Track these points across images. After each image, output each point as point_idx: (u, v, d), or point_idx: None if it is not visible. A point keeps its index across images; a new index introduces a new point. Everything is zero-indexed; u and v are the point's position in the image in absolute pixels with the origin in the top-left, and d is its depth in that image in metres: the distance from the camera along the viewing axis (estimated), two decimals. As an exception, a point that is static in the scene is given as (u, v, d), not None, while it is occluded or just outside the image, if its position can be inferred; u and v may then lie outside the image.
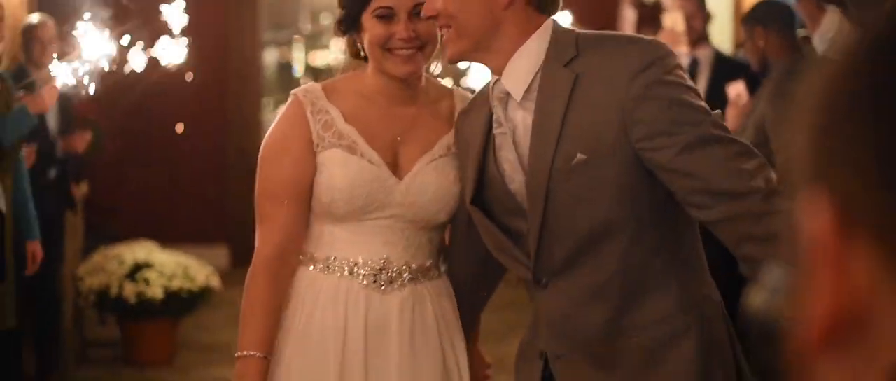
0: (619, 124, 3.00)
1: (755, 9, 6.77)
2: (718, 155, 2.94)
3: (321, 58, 12.31)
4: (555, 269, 3.11)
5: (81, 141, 7.04)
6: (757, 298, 2.47)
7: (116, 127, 8.44)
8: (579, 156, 3.03)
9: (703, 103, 3.01)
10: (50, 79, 5.64)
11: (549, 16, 3.22)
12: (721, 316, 3.13)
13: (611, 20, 9.45)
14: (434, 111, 3.54)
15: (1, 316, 5.69)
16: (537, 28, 3.15)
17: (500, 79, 3.20)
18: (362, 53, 3.43)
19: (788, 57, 6.32)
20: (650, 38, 3.33)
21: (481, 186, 3.16)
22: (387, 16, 3.33)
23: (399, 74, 3.38)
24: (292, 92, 3.46)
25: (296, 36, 12.73)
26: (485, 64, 3.31)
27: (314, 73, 11.89)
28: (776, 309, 1.65)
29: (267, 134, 3.43)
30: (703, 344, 3.04)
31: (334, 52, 11.00)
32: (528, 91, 3.13)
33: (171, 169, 10.18)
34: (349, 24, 3.41)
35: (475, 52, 3.26)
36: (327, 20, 11.71)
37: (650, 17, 8.65)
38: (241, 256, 10.03)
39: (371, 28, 3.34)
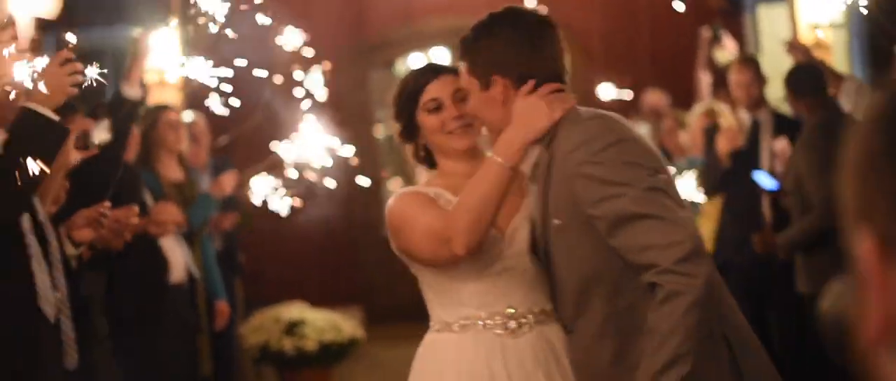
0: (573, 198, 3.33)
1: (788, 75, 7.36)
2: (636, 231, 3.19)
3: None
4: (569, 315, 3.46)
5: (228, 221, 7.64)
6: (827, 303, 2.71)
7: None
8: (556, 221, 3.40)
9: (625, 175, 3.27)
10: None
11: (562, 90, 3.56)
12: (719, 337, 3.29)
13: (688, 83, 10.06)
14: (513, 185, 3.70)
15: (199, 365, 6.67)
16: None
17: None
18: (422, 153, 3.77)
19: (817, 115, 6.99)
20: (603, 114, 3.55)
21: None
22: (436, 107, 3.68)
23: (461, 148, 3.69)
24: (401, 192, 3.73)
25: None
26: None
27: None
28: (842, 312, 1.78)
29: (398, 213, 3.63)
30: (702, 365, 3.19)
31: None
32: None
33: (308, 239, 10.86)
34: (410, 130, 3.75)
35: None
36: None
37: (724, 80, 9.02)
38: (374, 315, 11.05)
39: (427, 122, 3.68)
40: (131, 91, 5.21)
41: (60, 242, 4.22)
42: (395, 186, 11.92)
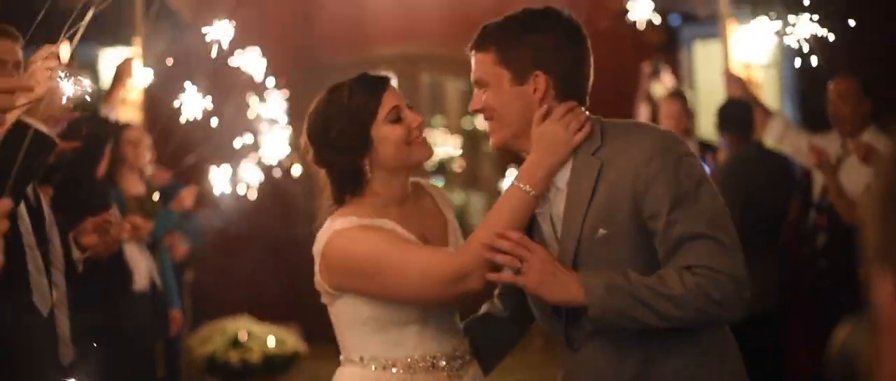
0: (633, 205, 3.25)
1: (719, 108, 7.83)
2: (700, 251, 3.17)
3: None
4: (585, 333, 3.36)
5: (180, 252, 7.81)
6: (838, 343, 2.52)
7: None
8: (601, 231, 3.29)
9: (700, 192, 3.24)
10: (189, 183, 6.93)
11: (581, 104, 3.50)
12: (736, 354, 3.41)
13: (628, 114, 10.13)
14: (426, 205, 3.76)
15: (155, 370, 6.96)
16: None
17: None
18: (356, 178, 3.54)
19: (739, 149, 7.43)
20: (663, 128, 3.54)
21: None
22: (397, 118, 3.54)
23: (424, 158, 3.63)
24: (344, 227, 3.46)
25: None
26: (524, 151, 3.52)
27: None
28: (854, 355, 1.76)
29: (356, 252, 3.43)
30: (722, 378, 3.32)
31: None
32: (561, 174, 3.42)
33: (252, 257, 11.00)
34: (360, 145, 3.52)
35: (515, 140, 3.51)
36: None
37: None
38: (312, 332, 11.27)
39: (391, 134, 3.52)
40: (110, 112, 5.44)
41: (67, 244, 4.42)
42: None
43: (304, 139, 3.64)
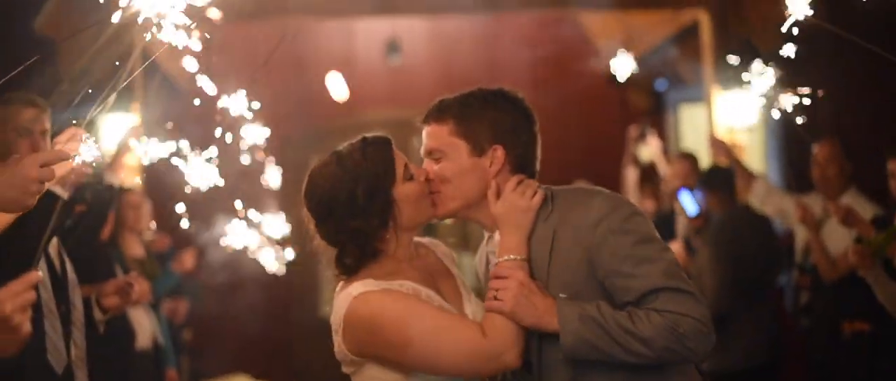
0: (588, 267, 3.35)
1: (704, 173, 8.03)
2: (665, 301, 3.26)
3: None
4: None
5: (180, 313, 8.05)
6: None
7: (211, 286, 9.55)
8: (561, 295, 3.36)
9: (651, 249, 3.34)
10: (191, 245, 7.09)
11: (531, 178, 3.60)
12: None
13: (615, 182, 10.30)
14: (432, 262, 3.72)
15: None
16: None
17: (493, 235, 3.62)
18: (373, 245, 3.46)
19: (723, 211, 7.59)
20: (608, 191, 3.55)
21: None
22: (410, 174, 3.52)
23: (441, 213, 3.60)
24: (365, 292, 3.36)
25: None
26: (475, 221, 3.62)
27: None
28: None
29: (383, 320, 3.33)
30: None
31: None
32: None
33: (249, 318, 11.21)
34: (384, 207, 3.47)
35: (466, 210, 3.60)
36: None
37: (649, 176, 9.84)
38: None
39: (410, 190, 3.50)
40: (115, 178, 5.60)
41: (88, 306, 4.55)
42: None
43: (307, 215, 3.55)
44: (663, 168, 9.47)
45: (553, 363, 3.41)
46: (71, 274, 4.43)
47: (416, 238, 3.72)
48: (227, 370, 9.68)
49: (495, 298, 3.37)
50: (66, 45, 7.62)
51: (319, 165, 3.57)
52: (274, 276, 7.55)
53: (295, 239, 6.58)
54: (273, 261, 6.49)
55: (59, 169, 3.47)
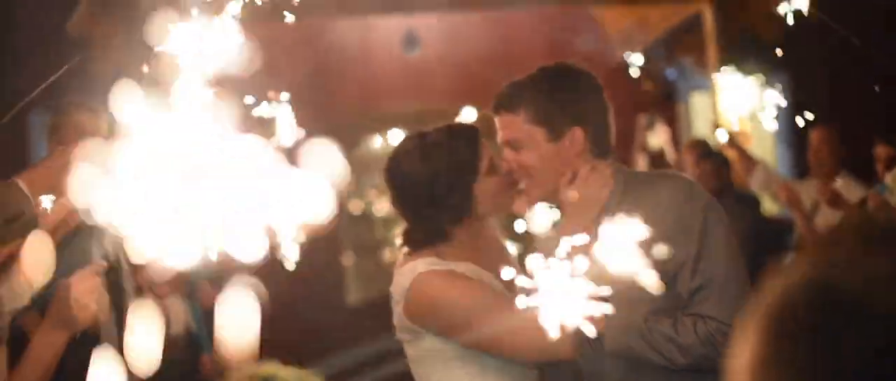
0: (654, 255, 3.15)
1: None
2: (713, 303, 3.24)
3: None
4: None
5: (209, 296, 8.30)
6: None
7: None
8: None
9: (715, 244, 3.29)
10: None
11: (607, 158, 3.52)
12: None
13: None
14: (489, 234, 3.74)
15: None
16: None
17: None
18: (440, 239, 3.50)
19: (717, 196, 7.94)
20: (684, 178, 3.56)
21: None
22: (493, 167, 3.54)
23: (523, 206, 3.60)
24: (430, 270, 3.42)
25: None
26: (557, 205, 3.58)
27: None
28: None
29: (446, 301, 3.39)
30: None
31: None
32: None
33: (278, 304, 11.62)
34: (464, 201, 3.51)
35: (551, 196, 3.55)
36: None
37: (658, 163, 10.10)
38: (333, 376, 11.72)
39: (491, 185, 3.52)
40: None
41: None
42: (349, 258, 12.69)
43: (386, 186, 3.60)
44: (671, 156, 9.75)
45: (604, 357, 3.37)
46: (124, 263, 4.81)
47: None
48: (258, 356, 10.07)
49: None
50: (98, 45, 7.99)
51: (405, 147, 3.59)
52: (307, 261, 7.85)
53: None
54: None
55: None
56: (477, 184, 3.52)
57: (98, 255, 4.82)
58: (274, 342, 11.43)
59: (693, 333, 3.23)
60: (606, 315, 3.07)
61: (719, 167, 8.22)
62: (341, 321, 12.05)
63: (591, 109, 3.51)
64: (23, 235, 3.57)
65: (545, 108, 3.47)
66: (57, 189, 3.86)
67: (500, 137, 3.56)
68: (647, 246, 3.08)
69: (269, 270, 8.46)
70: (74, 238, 4.20)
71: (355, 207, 13.29)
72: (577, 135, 3.47)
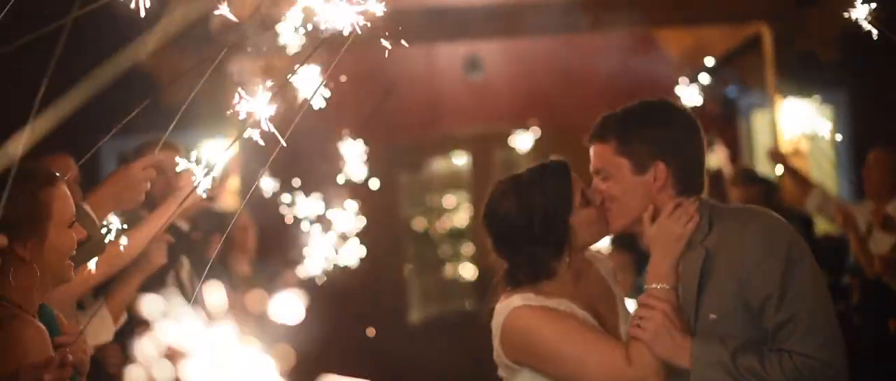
0: (740, 294, 3.34)
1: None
2: (798, 339, 3.28)
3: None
4: None
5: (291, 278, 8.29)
6: None
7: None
8: (712, 316, 3.38)
9: (800, 281, 3.33)
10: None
11: (695, 195, 3.57)
12: None
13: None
14: (593, 276, 3.80)
15: None
16: None
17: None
18: (542, 275, 3.57)
19: None
20: (770, 216, 3.55)
21: None
22: (587, 199, 3.63)
23: (614, 230, 3.68)
24: (525, 305, 3.51)
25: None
26: (640, 234, 3.64)
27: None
28: None
29: (537, 336, 3.48)
30: None
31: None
32: None
33: (340, 326, 11.81)
34: (561, 235, 3.58)
35: (633, 225, 3.62)
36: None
37: (716, 183, 9.88)
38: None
39: (586, 217, 3.60)
40: (217, 202, 6.17)
41: None
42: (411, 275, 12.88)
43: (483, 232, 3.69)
44: (729, 175, 9.74)
45: None
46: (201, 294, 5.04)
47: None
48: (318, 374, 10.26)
49: (639, 325, 3.43)
50: (167, 79, 8.23)
51: (500, 191, 3.71)
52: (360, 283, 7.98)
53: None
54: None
55: (178, 205, 4.09)
56: (572, 217, 3.59)
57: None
58: (331, 358, 11.66)
59: (778, 368, 3.27)
60: (693, 349, 3.34)
61: (766, 192, 8.27)
62: (403, 338, 12.23)
63: (680, 146, 3.57)
64: (90, 257, 3.79)
65: (632, 140, 3.55)
66: (122, 203, 4.17)
67: (591, 166, 3.67)
68: (731, 282, 3.34)
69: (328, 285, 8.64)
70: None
71: (418, 225, 13.51)
72: (660, 170, 3.54)
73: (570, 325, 3.48)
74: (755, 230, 3.40)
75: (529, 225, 3.56)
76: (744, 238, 3.39)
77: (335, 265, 7.14)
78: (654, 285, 3.45)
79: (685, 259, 3.47)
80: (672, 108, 3.64)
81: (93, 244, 3.72)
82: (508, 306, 3.55)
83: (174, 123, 3.89)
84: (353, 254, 7.02)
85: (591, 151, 3.65)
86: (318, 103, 3.48)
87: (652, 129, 3.56)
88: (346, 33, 2.91)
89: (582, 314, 3.54)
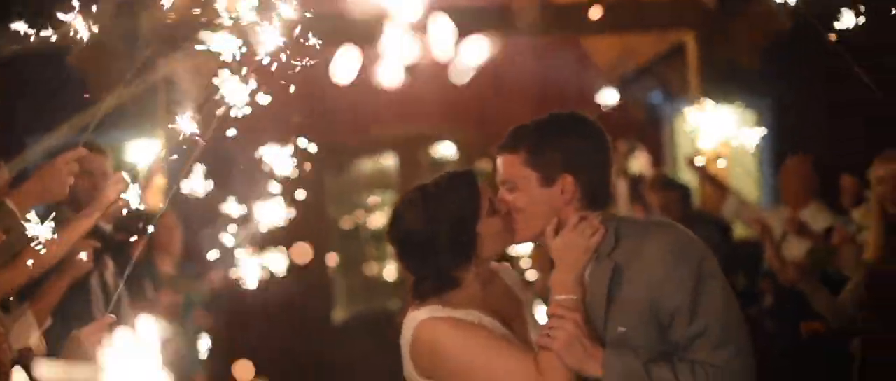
0: (650, 307, 3.34)
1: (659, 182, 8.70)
2: (708, 349, 3.29)
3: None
4: None
5: (201, 318, 8.48)
6: None
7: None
8: (620, 329, 3.36)
9: (711, 293, 3.35)
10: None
11: (602, 209, 3.56)
12: None
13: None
14: (499, 285, 3.75)
15: None
16: None
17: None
18: (448, 286, 3.50)
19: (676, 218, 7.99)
20: (676, 228, 3.55)
21: None
22: (494, 208, 3.56)
23: (521, 239, 3.64)
24: (433, 318, 3.44)
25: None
26: (547, 249, 3.58)
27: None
28: None
29: (447, 348, 3.40)
30: None
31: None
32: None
33: (266, 323, 11.83)
34: (468, 245, 3.52)
35: (539, 237, 3.59)
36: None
37: (638, 188, 10.05)
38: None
39: (493, 226, 3.55)
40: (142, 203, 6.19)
41: None
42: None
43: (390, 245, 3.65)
44: (649, 178, 9.88)
45: None
46: (124, 295, 5.06)
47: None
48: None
49: (549, 335, 3.38)
50: (94, 76, 8.21)
51: (405, 202, 3.63)
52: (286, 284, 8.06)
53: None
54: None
55: (105, 209, 4.15)
56: (480, 225, 3.53)
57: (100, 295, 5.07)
58: (263, 361, 11.68)
59: (691, 377, 3.28)
60: (606, 359, 3.33)
61: (684, 197, 8.40)
62: (329, 339, 12.28)
63: (589, 159, 3.54)
64: (11, 251, 3.83)
65: (541, 152, 3.52)
66: (46, 197, 4.25)
67: (498, 176, 3.63)
68: (641, 296, 3.35)
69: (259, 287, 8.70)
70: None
71: (347, 223, 13.56)
72: (568, 182, 3.51)
73: (480, 335, 3.42)
74: (665, 244, 3.40)
75: (437, 234, 3.50)
76: (654, 252, 3.38)
77: (261, 266, 7.19)
78: (562, 297, 3.43)
79: (593, 272, 3.46)
80: (583, 121, 3.61)
81: (15, 237, 3.75)
82: (415, 319, 3.50)
83: (97, 121, 4.02)
84: (279, 255, 7.02)
85: (499, 161, 3.64)
86: (244, 108, 3.56)
87: (561, 141, 3.53)
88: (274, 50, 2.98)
89: (491, 323, 3.50)
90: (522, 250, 7.92)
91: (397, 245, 3.62)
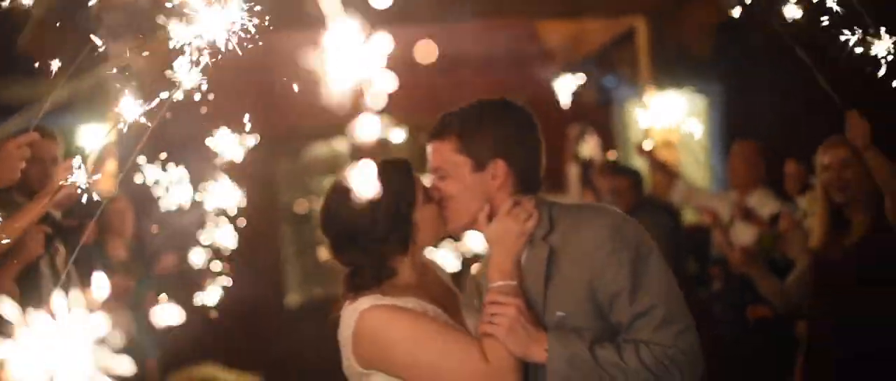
0: (588, 289, 3.33)
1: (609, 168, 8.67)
2: (651, 328, 3.29)
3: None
4: None
5: (169, 261, 8.38)
6: None
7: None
8: (559, 313, 3.35)
9: (650, 273, 3.34)
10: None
11: (534, 194, 3.55)
12: None
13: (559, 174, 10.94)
14: (432, 275, 3.76)
15: None
16: None
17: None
18: (385, 275, 3.47)
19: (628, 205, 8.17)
20: (611, 208, 3.53)
21: None
22: (429, 196, 3.55)
23: (457, 227, 3.60)
24: (374, 306, 3.37)
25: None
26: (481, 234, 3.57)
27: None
28: None
29: (391, 337, 3.34)
30: None
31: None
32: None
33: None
34: (405, 233, 3.48)
35: (472, 225, 3.58)
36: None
37: (588, 172, 10.28)
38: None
39: (429, 213, 3.53)
40: (93, 186, 6.16)
41: None
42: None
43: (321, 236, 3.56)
44: (599, 163, 9.93)
45: None
46: (73, 278, 5.05)
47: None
48: (199, 361, 10.28)
49: (491, 322, 3.37)
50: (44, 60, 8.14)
51: (337, 192, 3.54)
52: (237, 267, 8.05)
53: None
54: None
55: (56, 196, 4.14)
56: (416, 213, 3.49)
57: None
58: (215, 347, 11.69)
59: (636, 357, 3.27)
60: (549, 343, 3.32)
61: (634, 183, 8.46)
62: (282, 323, 12.26)
63: (520, 144, 3.52)
64: None
65: (473, 138, 3.51)
66: None
67: (429, 164, 3.61)
68: (579, 278, 3.34)
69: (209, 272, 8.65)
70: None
71: (301, 207, 13.54)
72: (500, 167, 3.50)
73: (422, 323, 3.37)
74: (601, 227, 3.37)
75: (372, 224, 3.44)
76: (590, 234, 3.36)
77: (212, 249, 7.17)
78: (500, 283, 3.41)
79: (528, 257, 3.45)
80: (512, 107, 3.59)
81: None
82: (355, 310, 3.42)
83: (46, 104, 4.01)
84: (230, 238, 7.00)
85: (429, 149, 3.62)
86: (195, 92, 3.54)
87: (492, 127, 3.51)
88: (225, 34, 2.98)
89: (432, 310, 3.46)
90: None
91: (331, 236, 3.56)
